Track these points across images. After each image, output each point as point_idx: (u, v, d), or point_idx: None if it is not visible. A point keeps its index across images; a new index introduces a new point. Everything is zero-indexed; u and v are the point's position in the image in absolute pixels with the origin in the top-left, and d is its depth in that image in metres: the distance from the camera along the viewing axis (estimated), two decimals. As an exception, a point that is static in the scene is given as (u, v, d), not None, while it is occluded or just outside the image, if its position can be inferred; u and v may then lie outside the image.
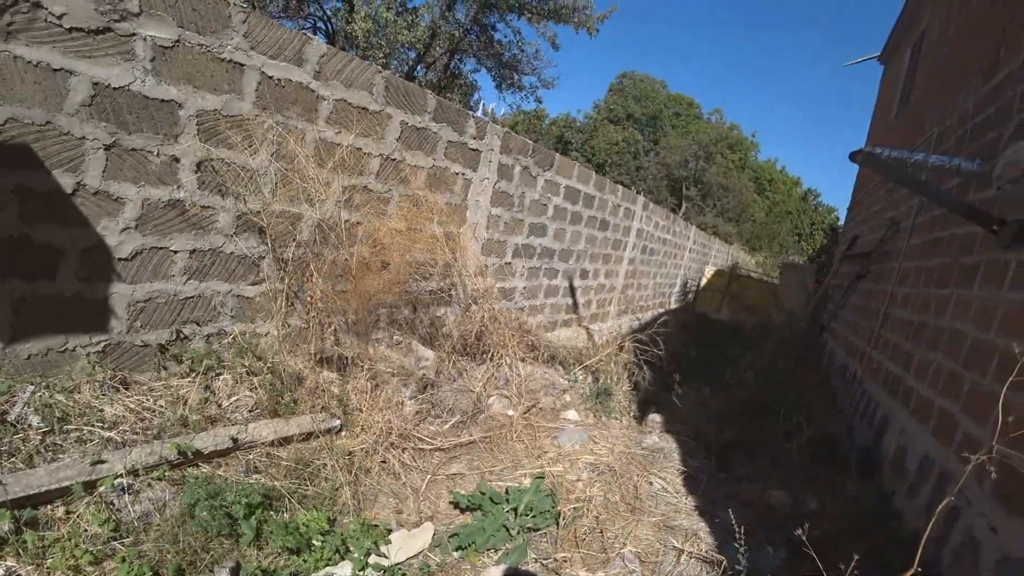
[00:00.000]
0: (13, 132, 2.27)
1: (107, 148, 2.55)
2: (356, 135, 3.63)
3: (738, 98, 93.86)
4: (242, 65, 2.96)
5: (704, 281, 16.19)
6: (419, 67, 14.05)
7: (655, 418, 4.68)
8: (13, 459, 2.21)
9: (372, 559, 2.37)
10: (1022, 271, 3.01)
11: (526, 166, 5.44)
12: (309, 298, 3.25)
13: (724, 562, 2.80)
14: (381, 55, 12.26)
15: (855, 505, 3.61)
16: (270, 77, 3.10)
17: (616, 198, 7.87)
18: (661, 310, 12.21)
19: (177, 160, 2.81)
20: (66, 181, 2.46)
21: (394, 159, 3.95)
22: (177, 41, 2.68)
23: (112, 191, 2.62)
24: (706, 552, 2.91)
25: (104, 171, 2.57)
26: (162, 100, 2.69)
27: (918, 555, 1.69)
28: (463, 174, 4.65)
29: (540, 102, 17.71)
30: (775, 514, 3.49)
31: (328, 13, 13.05)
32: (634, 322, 9.88)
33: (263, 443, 2.80)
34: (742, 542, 2.59)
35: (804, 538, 3.12)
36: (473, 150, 4.70)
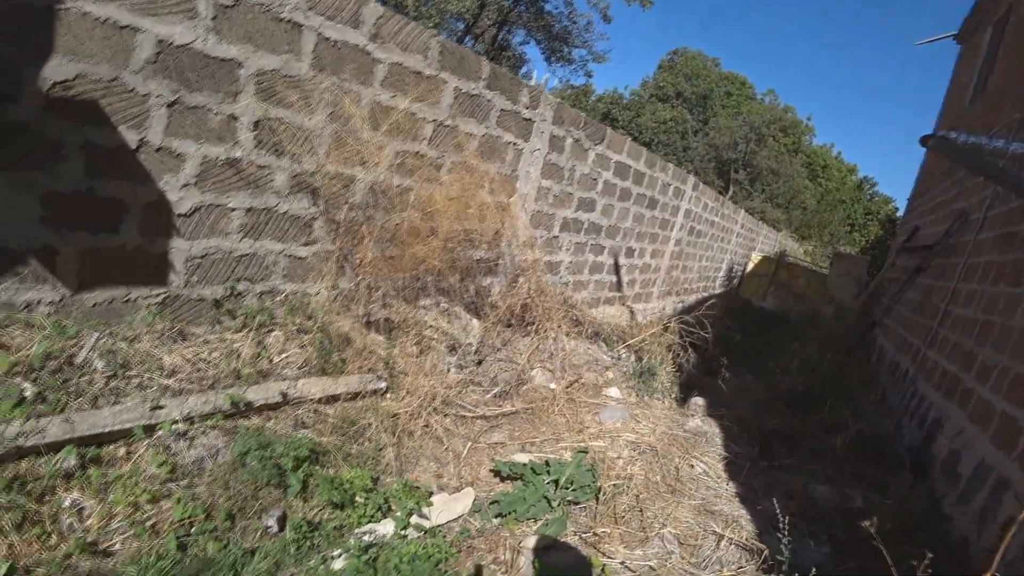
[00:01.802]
0: (81, 88, 2.32)
1: (170, 105, 2.59)
2: (411, 99, 3.60)
3: (794, 79, 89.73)
4: (300, 25, 2.95)
5: (750, 267, 15.75)
6: (467, 38, 13.89)
7: (698, 401, 4.60)
8: (80, 399, 2.32)
9: (414, 519, 2.41)
10: None
11: (577, 139, 5.33)
12: (359, 261, 3.28)
13: (765, 551, 2.73)
14: (431, 24, 12.16)
15: (902, 506, 3.49)
16: (327, 38, 3.08)
17: (666, 176, 7.67)
18: (705, 294, 11.96)
19: (236, 119, 2.84)
20: (130, 137, 2.51)
21: (447, 125, 3.91)
22: (238, 0, 2.68)
23: (173, 148, 2.66)
24: (746, 540, 2.85)
25: (166, 128, 2.61)
26: (223, 59, 2.71)
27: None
28: (515, 144, 4.58)
29: (590, 76, 17.35)
30: (818, 508, 3.41)
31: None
32: (677, 304, 9.70)
33: (311, 400, 2.86)
34: (785, 532, 2.53)
35: (854, 535, 3.05)
36: (526, 120, 4.62)
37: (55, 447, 2.06)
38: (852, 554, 2.89)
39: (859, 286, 11.65)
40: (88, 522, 1.98)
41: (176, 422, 2.37)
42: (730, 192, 30.18)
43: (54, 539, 1.88)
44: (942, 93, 10.86)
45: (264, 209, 3.10)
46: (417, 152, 3.76)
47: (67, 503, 1.99)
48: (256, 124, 2.92)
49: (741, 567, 2.64)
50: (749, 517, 3.07)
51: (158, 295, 2.83)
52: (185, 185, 2.75)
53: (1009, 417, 3.20)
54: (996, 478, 3.08)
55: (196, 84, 2.65)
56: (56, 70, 2.23)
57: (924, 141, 5.31)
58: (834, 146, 46.54)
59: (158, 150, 2.62)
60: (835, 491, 3.63)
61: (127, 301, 2.74)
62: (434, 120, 3.82)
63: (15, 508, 1.86)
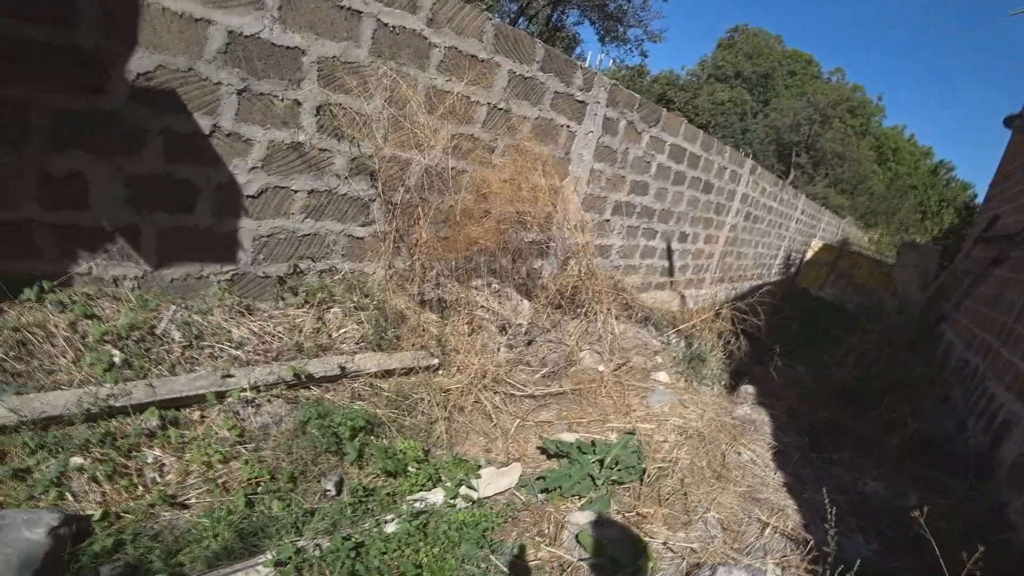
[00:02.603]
0: (162, 78, 2.49)
1: (239, 92, 2.73)
2: (466, 83, 3.66)
3: (865, 57, 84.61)
4: (360, 12, 3.04)
5: (809, 255, 15.15)
6: (521, 19, 13.78)
7: (748, 389, 4.53)
8: (160, 367, 2.53)
9: (462, 490, 2.51)
10: None
11: (631, 121, 5.27)
12: (414, 241, 3.38)
13: (811, 542, 2.70)
14: (484, 6, 12.13)
15: (960, 508, 3.36)
16: (385, 24, 3.16)
17: (723, 160, 7.47)
18: (759, 281, 11.62)
19: (299, 104, 2.97)
20: (204, 123, 2.68)
21: (501, 108, 3.95)
22: (302, -12, 2.79)
23: (242, 133, 2.82)
24: (792, 530, 2.82)
25: (236, 114, 2.77)
26: (287, 47, 2.83)
27: None
28: (568, 126, 4.58)
29: (645, 56, 16.96)
30: (868, 504, 3.33)
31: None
32: (730, 291, 9.48)
33: (367, 373, 3.01)
34: (833, 524, 2.49)
35: (904, 533, 2.96)
36: (579, 102, 4.60)
37: (140, 408, 2.27)
38: (901, 553, 2.82)
39: (927, 278, 11.02)
40: (168, 477, 2.18)
41: (244, 390, 2.55)
42: (791, 177, 28.99)
43: (140, 490, 2.08)
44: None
45: (325, 191, 3.24)
46: (471, 135, 3.82)
47: (150, 459, 2.20)
48: (318, 109, 3.04)
49: (785, 556, 2.62)
50: (796, 507, 3.04)
51: (228, 272, 3.02)
52: (253, 168, 2.91)
53: None
54: None
55: (263, 72, 2.78)
56: (139, 62, 2.40)
57: (1009, 121, 4.97)
58: (906, 128, 43.81)
59: (228, 135, 2.78)
60: (888, 488, 3.53)
61: (200, 277, 2.94)
62: (488, 103, 3.87)
63: (107, 461, 2.07)
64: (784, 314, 7.66)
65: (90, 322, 2.47)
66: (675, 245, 7.11)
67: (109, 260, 2.60)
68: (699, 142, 6.68)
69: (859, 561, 2.31)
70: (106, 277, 2.62)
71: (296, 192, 3.13)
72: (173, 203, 2.72)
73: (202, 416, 2.47)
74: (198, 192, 2.78)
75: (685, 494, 2.86)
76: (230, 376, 2.57)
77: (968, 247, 9.26)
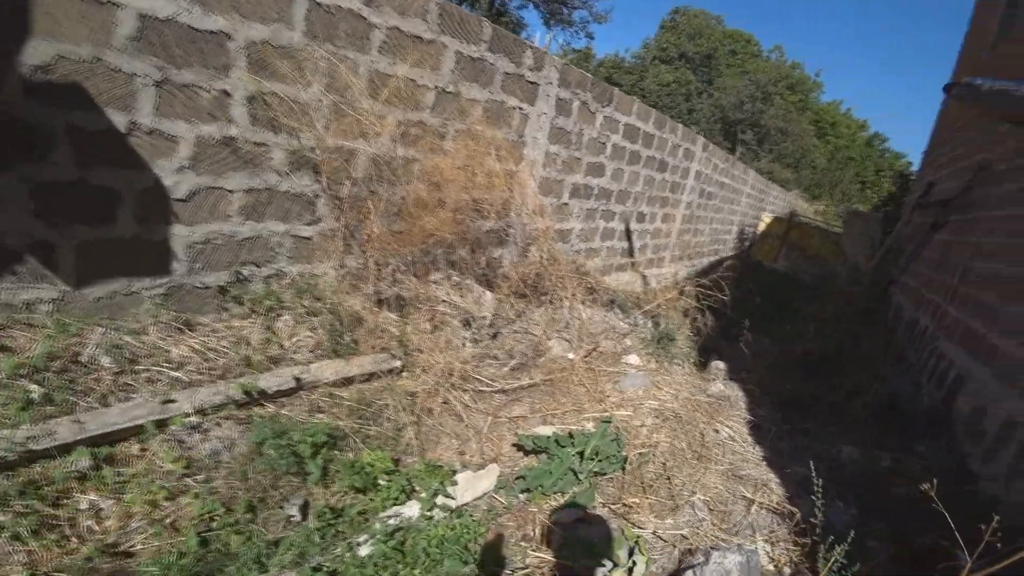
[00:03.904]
0: (64, 70, 2.20)
1: (157, 84, 2.46)
2: (410, 65, 3.44)
3: (801, 35, 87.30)
4: (291, -11, 2.79)
5: (761, 228, 15.49)
6: (463, 5, 13.49)
7: (719, 365, 4.50)
8: (88, 398, 2.26)
9: (439, 499, 2.34)
10: None
11: (584, 101, 5.14)
12: (366, 237, 3.17)
13: (797, 514, 2.67)
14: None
15: (929, 466, 3.41)
16: (319, 3, 2.92)
17: (676, 138, 7.46)
18: (716, 257, 11.78)
19: (228, 95, 2.71)
20: (119, 120, 2.40)
21: (450, 91, 3.75)
22: (223, -36, 2.52)
23: (165, 129, 2.55)
24: (777, 504, 2.79)
25: (156, 108, 2.50)
26: (210, 31, 2.57)
27: None
28: (520, 108, 4.41)
29: (592, 38, 16.85)
30: (845, 470, 3.34)
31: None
32: (690, 269, 9.55)
33: (325, 383, 2.80)
34: (819, 495, 2.45)
35: (882, 496, 2.97)
36: (531, 83, 4.43)
37: (66, 448, 2.01)
38: (880, 515, 2.82)
39: (873, 245, 11.39)
40: (107, 523, 1.93)
41: (188, 415, 2.32)
42: (737, 153, 29.67)
43: (74, 543, 1.83)
44: (957, 43, 10.42)
45: (265, 189, 2.99)
46: (420, 121, 3.61)
47: (84, 505, 1.95)
48: (250, 99, 2.79)
49: (773, 531, 2.58)
50: (778, 481, 3.01)
51: (161, 285, 2.75)
52: (180, 168, 2.65)
53: None
54: None
55: (184, 60, 2.52)
56: (34, 53, 2.11)
57: (948, 89, 5.08)
58: (843, 103, 45.50)
59: (149, 133, 2.51)
60: (862, 453, 3.56)
61: (129, 294, 2.66)
62: (436, 87, 3.66)
63: (31, 513, 1.81)
64: (744, 287, 7.76)
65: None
66: (634, 226, 7.06)
67: (19, 283, 2.31)
68: (652, 121, 6.63)
69: (852, 532, 2.27)
70: (16, 302, 2.32)
71: (232, 192, 2.87)
72: (91, 213, 2.44)
73: (142, 449, 2.21)
74: (119, 199, 2.50)
75: (669, 479, 2.77)
76: (171, 401, 2.32)
77: (908, 213, 9.57)
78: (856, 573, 2.22)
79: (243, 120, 2.80)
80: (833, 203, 31.55)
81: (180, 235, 2.74)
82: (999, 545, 1.78)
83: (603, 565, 2.15)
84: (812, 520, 2.42)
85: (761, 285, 9.00)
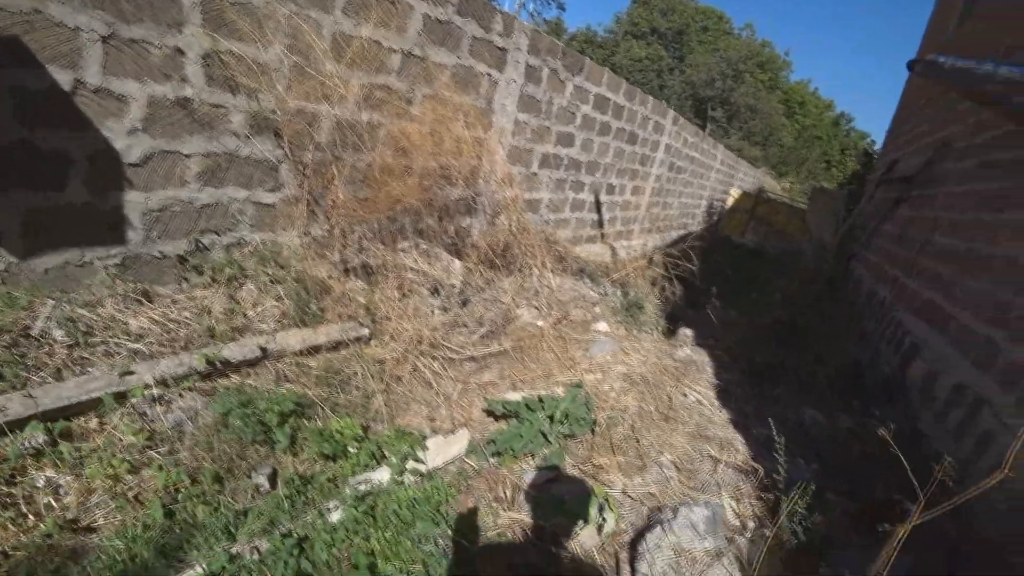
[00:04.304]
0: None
1: (104, 40, 2.33)
2: (375, 26, 3.32)
3: (772, 13, 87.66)
4: (248, -59, 2.66)
5: (729, 203, 15.69)
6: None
7: (686, 332, 4.57)
8: (41, 373, 2.17)
9: (409, 464, 2.33)
10: None
11: (554, 69, 5.07)
12: (331, 204, 3.09)
13: (760, 471, 2.76)
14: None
15: (884, 426, 3.56)
16: (279, -43, 2.79)
17: (646, 110, 7.44)
18: (686, 231, 11.92)
19: (182, 52, 2.59)
20: (63, 78, 2.27)
21: (416, 55, 3.64)
22: (173, -92, 2.39)
23: (114, 88, 2.42)
24: (742, 462, 2.87)
25: (104, 66, 2.37)
26: (161, -18, 2.43)
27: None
28: (489, 75, 4.32)
29: (563, 8, 16.61)
30: (807, 432, 3.45)
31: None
32: (659, 241, 9.63)
33: (292, 352, 2.74)
34: (782, 453, 2.53)
35: (841, 454, 3.09)
36: (500, 48, 4.34)
37: (19, 424, 1.93)
38: (840, 472, 2.93)
39: (838, 220, 11.65)
40: (66, 499, 1.87)
41: (149, 387, 2.24)
42: (708, 130, 29.88)
43: (31, 520, 1.76)
44: (923, 22, 10.57)
45: (224, 153, 2.88)
46: (385, 85, 3.51)
47: (40, 482, 1.88)
48: (205, 58, 2.66)
49: (738, 487, 2.65)
50: (743, 441, 3.09)
51: (116, 255, 2.64)
52: (132, 131, 2.52)
53: (988, 338, 3.24)
54: (973, 396, 3.13)
55: (133, 15, 2.38)
56: (-36, 2, 1.97)
57: (912, 66, 5.17)
58: (811, 82, 46.14)
59: (97, 91, 2.38)
60: (824, 416, 3.69)
61: (82, 264, 2.55)
62: (402, 50, 3.55)
63: (-17, 491, 1.74)
64: (713, 260, 7.88)
65: (-59, 329, 2.07)
66: (603, 197, 7.06)
67: (-42, 253, 2.19)
68: (622, 91, 6.59)
69: (813, 485, 2.35)
70: (-45, 272, 2.20)
71: (189, 156, 2.76)
72: (37, 178, 2.31)
73: (101, 423, 2.14)
74: (68, 163, 2.37)
75: (637, 440, 2.82)
76: (130, 373, 2.25)
77: (871, 190, 9.80)
78: (814, 523, 2.31)
79: (199, 80, 2.67)
80: (799, 181, 32.15)
81: (135, 202, 2.63)
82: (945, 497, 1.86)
83: (575, 523, 2.18)
84: (775, 477, 2.50)
85: (729, 258, 9.16)
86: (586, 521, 2.17)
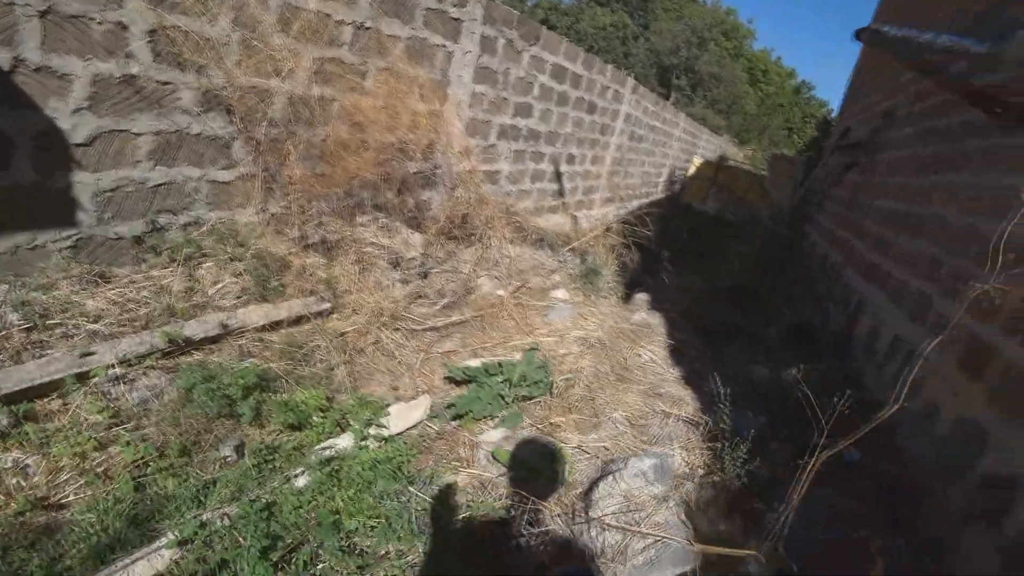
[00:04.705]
0: (-74, -3, 2.01)
1: (42, 15, 2.28)
2: (323, -2, 3.29)
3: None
4: (187, -90, 2.61)
5: (691, 171, 15.91)
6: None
7: (642, 297, 4.74)
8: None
9: (372, 430, 2.43)
10: (1019, 154, 2.98)
11: (510, 39, 5.07)
12: (287, 180, 3.10)
13: (708, 422, 2.94)
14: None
15: (827, 378, 3.78)
16: (219, -72, 2.74)
17: (604, 79, 7.48)
18: (647, 199, 12.09)
19: (125, 28, 2.54)
20: (1, 55, 2.22)
21: (368, 27, 3.62)
22: None
23: (55, 66, 2.38)
24: (691, 415, 3.05)
25: (42, 43, 2.32)
26: (98, -46, 2.39)
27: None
28: (444, 46, 4.31)
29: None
30: (756, 386, 3.65)
31: None
32: (620, 210, 9.77)
33: (254, 328, 2.79)
34: (726, 404, 2.71)
35: (786, 406, 3.29)
36: (454, 19, 4.32)
37: (-19, 408, 1.95)
38: (785, 423, 3.13)
39: (795, 187, 11.96)
40: (35, 479, 1.90)
41: (112, 366, 2.27)
42: (672, 99, 29.99)
43: (1, 499, 1.80)
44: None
45: (174, 131, 2.86)
46: (337, 58, 3.49)
47: (8, 463, 1.91)
48: (151, 33, 2.62)
49: (688, 439, 2.83)
50: (694, 396, 3.27)
51: (69, 237, 2.63)
52: (77, 110, 2.49)
53: (924, 294, 3.46)
54: (908, 348, 3.37)
55: (70, -12, 2.34)
56: None
57: (859, 34, 5.32)
58: (774, 50, 46.58)
59: (37, 70, 2.34)
60: (771, 371, 3.89)
61: (34, 248, 2.53)
62: (353, 22, 3.52)
63: (-51, 474, 1.77)
64: (674, 227, 8.07)
65: None
66: (563, 167, 7.13)
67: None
68: (580, 61, 6.61)
69: (752, 431, 2.53)
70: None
71: (139, 135, 2.74)
72: (-21, 159, 2.28)
73: (64, 404, 2.17)
74: (11, 143, 2.34)
75: (592, 399, 2.97)
76: (91, 353, 2.27)
77: (827, 156, 10.10)
78: (757, 468, 2.50)
79: (145, 56, 2.64)
80: (761, 148, 32.64)
81: (85, 182, 2.61)
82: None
83: (529, 475, 2.32)
84: (722, 426, 2.69)
85: (689, 225, 9.37)
86: (541, 474, 2.31)
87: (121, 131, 2.67)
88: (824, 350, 4.55)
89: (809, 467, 1.81)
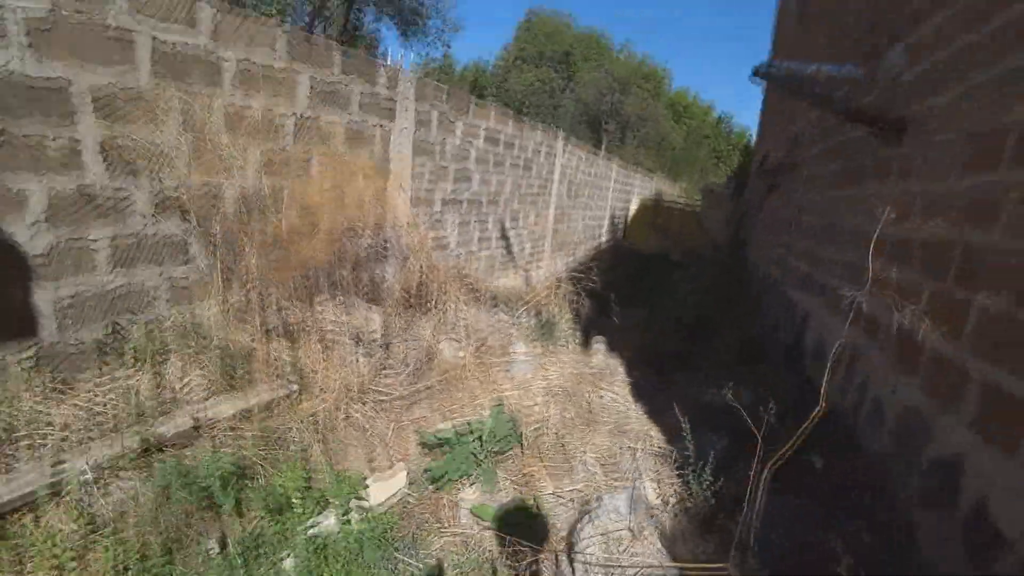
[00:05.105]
0: None
1: (-5, 137, 2.39)
2: (266, 97, 3.50)
3: (647, 29, 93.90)
4: (131, 32, 2.78)
5: (631, 214, 16.66)
6: (316, 23, 13.26)
7: (599, 341, 4.96)
8: (-37, 477, 2.15)
9: (353, 504, 2.49)
10: (903, 163, 3.40)
11: (443, 112, 5.39)
12: (244, 271, 3.20)
13: (674, 452, 3.10)
14: (273, 11, 11.49)
15: (778, 393, 4.03)
16: (163, 43, 2.93)
17: (537, 138, 7.93)
18: (593, 247, 12.56)
19: (78, 143, 2.66)
20: (-45, 181, 2.31)
21: (309, 117, 3.84)
22: (53, 12, 2.49)
23: (11, 185, 2.47)
24: (657, 447, 3.22)
25: (-2, 163, 2.41)
26: (49, 80, 2.52)
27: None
28: (381, 125, 4.57)
29: (448, 47, 17.24)
30: (713, 409, 3.85)
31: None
32: (569, 260, 10.15)
33: (225, 419, 2.82)
34: (687, 433, 2.89)
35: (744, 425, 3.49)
36: (388, 100, 4.61)
37: (-52, 532, 1.93)
38: (745, 440, 3.33)
39: (728, 215, 12.74)
40: (12, 598, 1.89)
41: (84, 473, 2.27)
42: (604, 143, 31.45)
43: None
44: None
45: (131, 235, 2.94)
46: (283, 149, 3.67)
47: (-20, 586, 1.89)
48: (102, 146, 2.75)
49: (658, 471, 2.98)
50: (658, 429, 3.45)
51: (29, 349, 2.64)
52: (35, 223, 2.57)
53: (852, 298, 3.78)
54: (850, 352, 3.64)
55: (22, 111, 2.45)
56: None
57: (755, 72, 5.92)
58: (690, 89, 49.87)
59: (-7, 190, 2.42)
60: (727, 392, 4.09)
61: (-8, 363, 2.53)
62: (294, 114, 3.74)
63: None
64: (618, 270, 8.44)
65: None
66: (508, 226, 7.42)
67: None
68: (511, 124, 7.02)
69: (715, 453, 2.71)
70: None
71: (96, 242, 2.81)
72: (-65, 281, 2.31)
73: (36, 517, 2.15)
74: (-34, 264, 2.39)
75: (563, 445, 3.11)
76: (61, 463, 2.27)
77: (753, 181, 10.88)
78: (722, 487, 2.66)
79: (98, 168, 2.75)
80: (694, 181, 34.43)
81: (44, 294, 2.65)
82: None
83: (509, 528, 2.42)
84: (687, 455, 2.86)
85: (634, 267, 9.80)
86: (519, 525, 2.42)
87: (78, 239, 2.74)
88: (777, 364, 4.80)
89: (760, 478, 1.99)
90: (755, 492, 1.99)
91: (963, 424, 2.35)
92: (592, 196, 12.00)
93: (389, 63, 4.62)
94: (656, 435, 3.39)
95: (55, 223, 2.63)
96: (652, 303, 7.03)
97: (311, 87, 3.85)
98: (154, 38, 2.88)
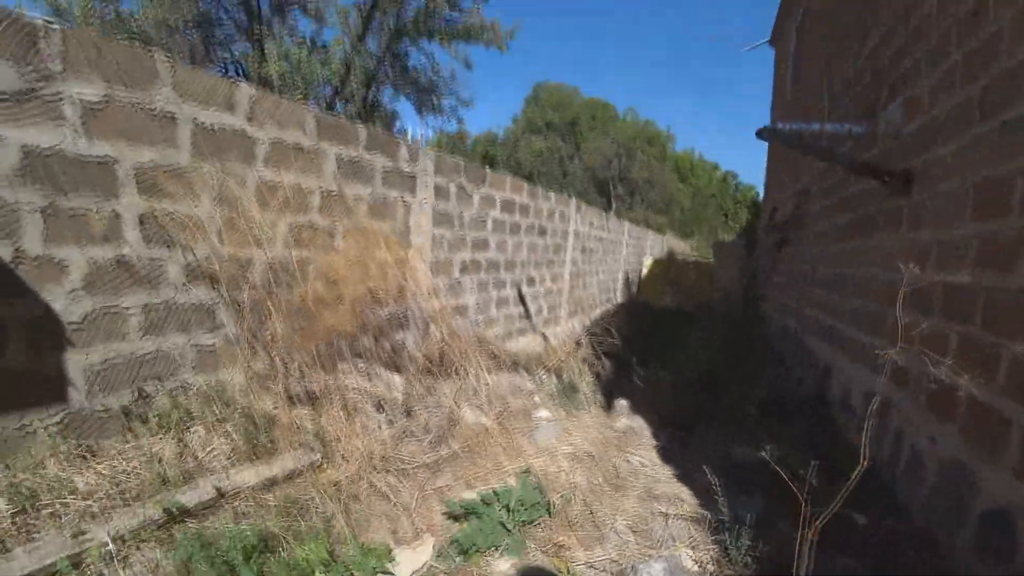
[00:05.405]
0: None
1: (43, 211, 2.51)
2: (295, 173, 3.67)
3: (650, 95, 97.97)
4: (174, 115, 2.97)
5: (645, 271, 16.77)
6: (337, 101, 13.97)
7: (622, 403, 4.88)
8: (-15, 549, 2.13)
9: (379, 577, 2.41)
10: (912, 213, 3.45)
11: (461, 184, 5.59)
12: (269, 338, 3.25)
13: (708, 515, 2.99)
14: (299, 94, 12.16)
15: (812, 447, 3.91)
16: (203, 124, 3.12)
17: (550, 204, 8.13)
18: (608, 305, 12.58)
19: (119, 216, 2.79)
20: (3, 251, 2.41)
21: (334, 192, 4.00)
22: (106, 97, 2.68)
23: (54, 255, 2.58)
24: (690, 512, 3.10)
25: (44, 235, 2.53)
26: (97, 158, 2.68)
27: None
28: (402, 198, 4.74)
29: (461, 123, 17.97)
30: (744, 467, 3.73)
31: (238, 57, 12.79)
32: (585, 321, 10.15)
33: (248, 488, 2.78)
34: (720, 495, 2.80)
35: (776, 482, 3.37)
36: (409, 174, 4.80)
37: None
38: (780, 498, 3.20)
39: (740, 269, 12.80)
40: None
41: (105, 545, 2.24)
42: (613, 207, 32.08)
43: None
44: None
45: (163, 303, 3.03)
46: (310, 222, 3.82)
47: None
48: (141, 219, 2.88)
49: (692, 536, 2.87)
50: (689, 491, 3.34)
51: (57, 415, 2.67)
52: (72, 292, 2.66)
53: (875, 347, 3.75)
54: (880, 400, 3.56)
55: (71, 187, 2.60)
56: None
57: (760, 134, 6.13)
58: (695, 149, 51.29)
59: (36, 260, 2.52)
60: (752, 450, 3.98)
61: (21, 428, 2.56)
62: (320, 189, 3.90)
63: None
64: (635, 328, 8.41)
65: None
66: (526, 291, 7.50)
67: None
68: (525, 192, 7.23)
69: (752, 515, 2.60)
70: None
71: (129, 310, 2.89)
72: (-30, 348, 2.38)
73: (57, 590, 2.11)
74: (5, 330, 2.46)
75: (592, 512, 3.01)
76: (83, 533, 2.25)
77: (763, 237, 11.00)
78: (763, 551, 2.55)
79: (136, 239, 2.87)
80: (703, 237, 34.73)
81: (76, 360, 2.71)
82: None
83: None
84: (722, 519, 2.75)
85: (651, 323, 9.76)
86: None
87: (112, 307, 2.82)
88: (802, 416, 4.68)
89: (807, 539, 1.91)
90: (802, 554, 1.90)
91: (1009, 471, 2.27)
92: (606, 255, 12.15)
93: (409, 139, 4.84)
94: (688, 497, 3.28)
95: (92, 291, 2.72)
96: (671, 359, 6.95)
97: (337, 164, 4.03)
98: (195, 120, 3.07)
